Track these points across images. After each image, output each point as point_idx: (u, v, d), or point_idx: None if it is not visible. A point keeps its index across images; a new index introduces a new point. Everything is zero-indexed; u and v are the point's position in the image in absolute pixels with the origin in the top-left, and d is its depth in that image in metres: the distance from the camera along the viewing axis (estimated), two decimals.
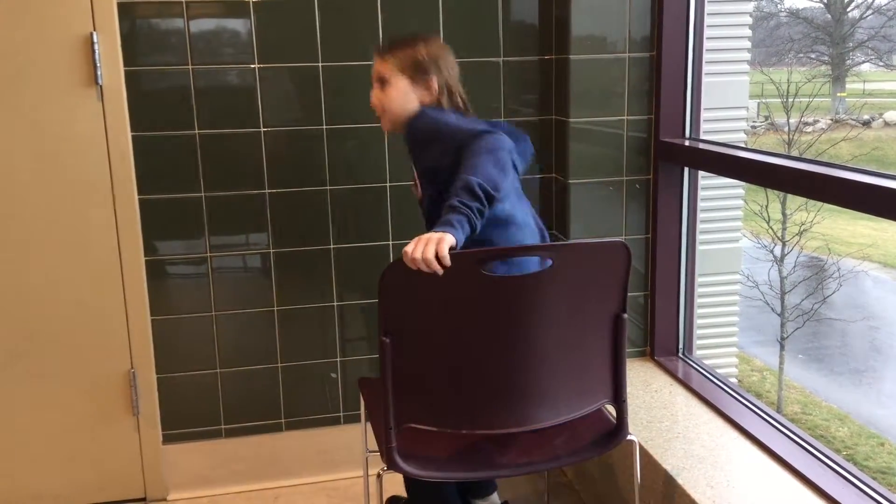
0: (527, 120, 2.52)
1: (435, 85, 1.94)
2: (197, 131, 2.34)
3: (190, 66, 2.30)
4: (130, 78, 2.27)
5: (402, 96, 1.96)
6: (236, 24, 2.31)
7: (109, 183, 2.31)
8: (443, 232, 1.52)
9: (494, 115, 2.47)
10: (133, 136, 2.30)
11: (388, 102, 1.96)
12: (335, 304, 2.52)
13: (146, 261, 2.38)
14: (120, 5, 2.22)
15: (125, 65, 2.26)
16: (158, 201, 2.36)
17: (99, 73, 2.23)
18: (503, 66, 2.48)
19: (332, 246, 2.48)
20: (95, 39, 2.21)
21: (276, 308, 2.49)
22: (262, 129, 2.38)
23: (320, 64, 2.37)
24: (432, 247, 1.48)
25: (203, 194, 2.38)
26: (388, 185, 2.47)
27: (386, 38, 2.10)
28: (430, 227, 1.65)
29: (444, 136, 1.84)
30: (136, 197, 2.33)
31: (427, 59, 1.95)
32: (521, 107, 2.53)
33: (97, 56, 2.22)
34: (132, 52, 2.26)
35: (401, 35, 2.00)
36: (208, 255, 2.43)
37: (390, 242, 2.52)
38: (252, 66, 2.34)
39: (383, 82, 1.95)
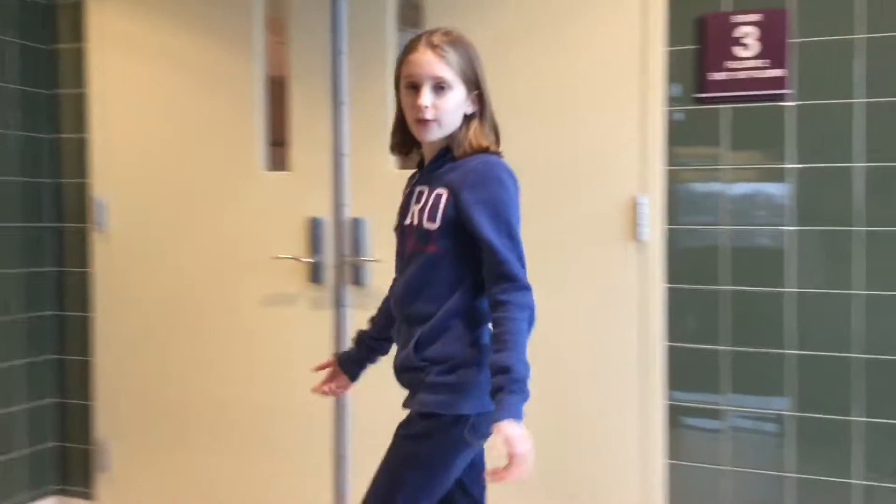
0: None
1: (486, 105, 1.72)
2: (723, 287, 2.47)
3: (723, 227, 2.47)
4: (670, 235, 2.52)
5: (457, 109, 1.71)
6: (772, 189, 2.43)
7: (636, 328, 2.55)
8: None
9: None
10: (667, 288, 2.53)
11: (445, 113, 1.69)
12: (857, 482, 2.36)
13: (667, 405, 2.54)
14: (669, 171, 2.51)
15: (668, 223, 2.52)
16: (682, 349, 2.52)
17: (642, 230, 2.53)
18: None
19: (859, 419, 2.36)
20: (641, 201, 2.52)
21: (789, 474, 2.42)
22: (789, 290, 2.41)
23: (853, 228, 2.34)
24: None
25: (726, 347, 2.48)
26: None
27: (435, 29, 1.75)
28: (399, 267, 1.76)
29: (498, 204, 1.63)
30: (664, 343, 2.53)
31: (481, 70, 1.72)
32: None
33: (642, 215, 2.53)
34: (673, 212, 2.51)
35: (449, 30, 1.74)
36: (726, 408, 2.49)
37: None
38: (783, 228, 2.41)
39: (442, 87, 1.68)
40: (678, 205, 2.51)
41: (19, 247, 3.15)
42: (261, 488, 3.01)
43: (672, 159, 2.51)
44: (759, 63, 2.40)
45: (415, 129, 1.73)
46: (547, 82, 2.62)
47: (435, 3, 2.73)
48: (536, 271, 2.57)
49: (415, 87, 1.70)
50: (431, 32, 1.72)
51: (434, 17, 2.72)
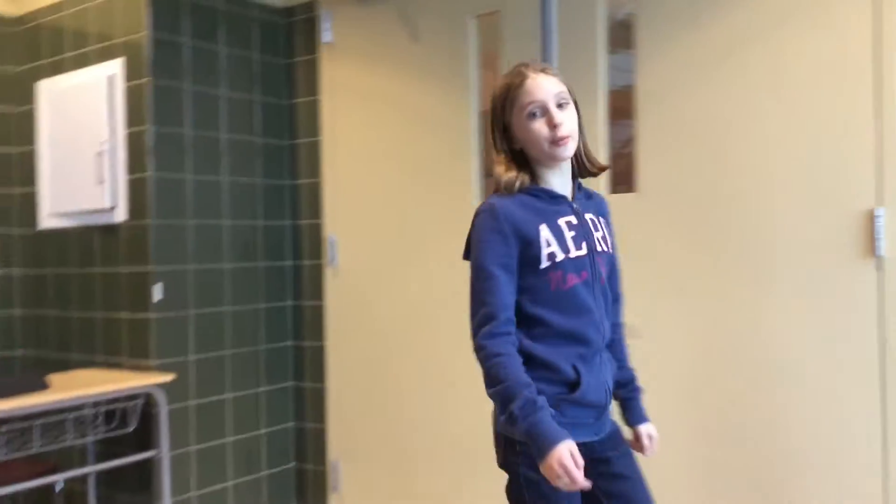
0: None
1: (582, 125, 1.76)
2: None
3: None
4: None
5: (576, 124, 1.75)
6: None
7: (876, 348, 2.33)
8: None
9: None
10: None
11: (574, 129, 1.72)
12: None
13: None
14: None
15: None
16: None
17: (880, 244, 2.32)
18: None
19: None
20: (878, 213, 2.32)
21: None
22: None
23: None
24: None
25: None
26: None
27: (528, 61, 1.77)
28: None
29: None
30: None
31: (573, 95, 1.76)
32: None
33: (879, 228, 2.32)
34: None
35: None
36: None
37: None
38: None
39: (564, 103, 1.72)
40: None
41: (261, 283, 3.46)
42: None
43: None
44: None
45: (552, 151, 1.70)
46: (775, 91, 2.50)
47: (647, 21, 2.72)
48: (764, 293, 2.47)
49: (540, 112, 1.70)
50: (525, 64, 1.77)
51: (647, 36, 2.70)
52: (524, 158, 1.75)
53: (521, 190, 1.73)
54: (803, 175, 2.44)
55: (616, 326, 1.87)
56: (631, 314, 2.70)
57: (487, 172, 3.10)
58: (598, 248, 1.76)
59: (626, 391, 1.88)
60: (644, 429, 1.88)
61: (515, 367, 1.63)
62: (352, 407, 3.40)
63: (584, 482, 1.54)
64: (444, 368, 3.15)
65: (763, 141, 2.51)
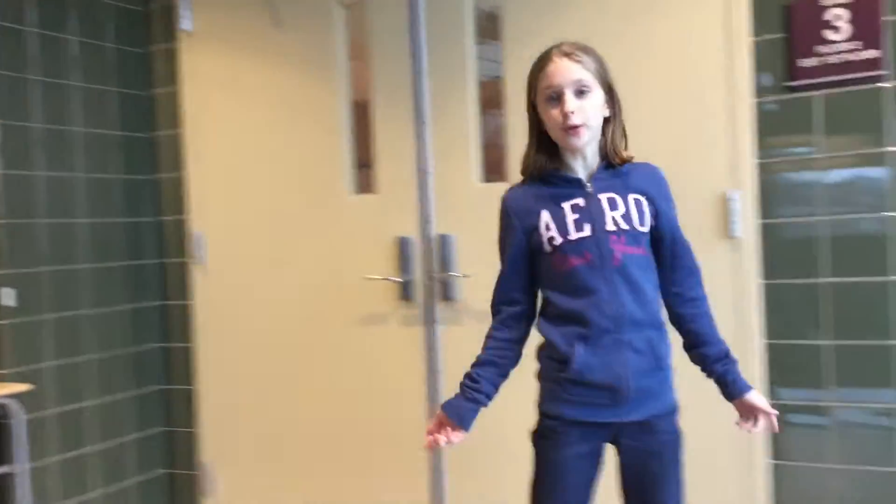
0: None
1: (618, 108, 1.74)
2: (823, 279, 2.37)
3: (821, 217, 2.37)
4: (764, 229, 2.44)
5: (599, 112, 1.73)
6: (873, 174, 2.33)
7: (732, 327, 2.44)
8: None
9: None
10: (763, 284, 2.44)
11: (591, 116, 1.70)
12: None
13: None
14: (761, 164, 2.44)
15: (761, 217, 2.44)
16: (783, 346, 2.42)
17: (734, 226, 2.46)
18: None
19: None
20: (732, 196, 2.45)
21: None
22: (892, 278, 2.29)
23: None
24: None
25: (828, 342, 2.37)
26: None
27: (561, 42, 1.75)
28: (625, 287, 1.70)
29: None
30: (763, 341, 2.44)
31: (611, 73, 1.74)
32: None
33: (733, 211, 2.45)
34: (767, 206, 2.43)
35: (574, 41, 1.75)
36: (830, 403, 2.38)
37: None
38: (886, 213, 2.30)
39: (584, 91, 1.70)
40: (772, 198, 2.44)
41: (123, 284, 3.29)
42: None
43: (764, 151, 2.44)
44: (851, 46, 2.33)
45: (564, 139, 1.72)
46: (631, 81, 2.58)
47: (513, 13, 2.76)
48: None
49: (556, 98, 1.71)
50: (559, 44, 1.74)
51: (513, 28, 2.75)
52: (550, 140, 1.76)
53: (538, 174, 1.78)
54: (662, 161, 2.53)
55: (693, 301, 1.80)
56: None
57: (360, 164, 3.07)
58: (610, 228, 1.72)
59: (719, 366, 1.78)
60: (748, 399, 1.76)
61: (484, 346, 1.83)
62: (224, 409, 3.29)
63: (427, 440, 1.81)
64: (320, 366, 3.10)
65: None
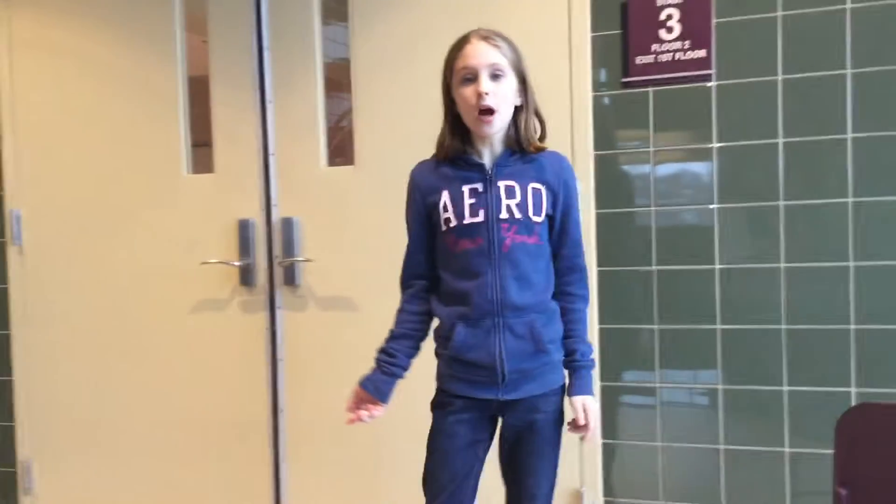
0: None
1: (531, 97, 1.78)
2: (654, 266, 2.50)
3: (653, 208, 2.50)
4: (599, 219, 2.54)
5: (511, 99, 1.77)
6: (699, 168, 2.47)
7: None
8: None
9: None
10: (598, 272, 2.54)
11: (503, 101, 1.73)
12: (786, 449, 2.41)
13: (601, 386, 2.56)
14: (597, 157, 2.53)
15: (597, 208, 2.54)
16: (615, 331, 2.54)
17: None
18: None
19: (785, 388, 2.41)
20: None
21: (721, 446, 2.47)
22: (717, 266, 2.45)
23: (781, 203, 2.40)
24: None
25: (657, 326, 2.50)
26: (852, 327, 2.35)
27: (478, 28, 1.79)
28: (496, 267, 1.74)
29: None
30: (597, 326, 2.55)
31: (525, 63, 1.79)
32: None
33: None
34: (603, 197, 2.53)
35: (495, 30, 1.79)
36: (658, 385, 2.52)
37: (852, 389, 2.36)
38: (711, 206, 2.46)
39: (498, 75, 1.73)
40: (608, 189, 2.54)
41: None
42: (196, 498, 2.91)
43: (601, 144, 2.53)
44: (682, 45, 2.45)
45: (476, 123, 1.75)
46: None
47: None
48: None
49: (472, 79, 1.73)
50: (478, 28, 1.78)
51: (359, 10, 2.70)
52: (463, 124, 1.78)
53: (448, 155, 1.80)
54: None
55: (568, 296, 1.84)
56: (350, 284, 2.73)
57: (196, 142, 2.93)
58: (503, 216, 1.75)
59: (566, 361, 1.85)
60: (576, 400, 1.82)
61: (396, 321, 1.88)
62: (46, 401, 3.07)
63: (349, 415, 1.83)
64: (153, 355, 2.94)
65: None
